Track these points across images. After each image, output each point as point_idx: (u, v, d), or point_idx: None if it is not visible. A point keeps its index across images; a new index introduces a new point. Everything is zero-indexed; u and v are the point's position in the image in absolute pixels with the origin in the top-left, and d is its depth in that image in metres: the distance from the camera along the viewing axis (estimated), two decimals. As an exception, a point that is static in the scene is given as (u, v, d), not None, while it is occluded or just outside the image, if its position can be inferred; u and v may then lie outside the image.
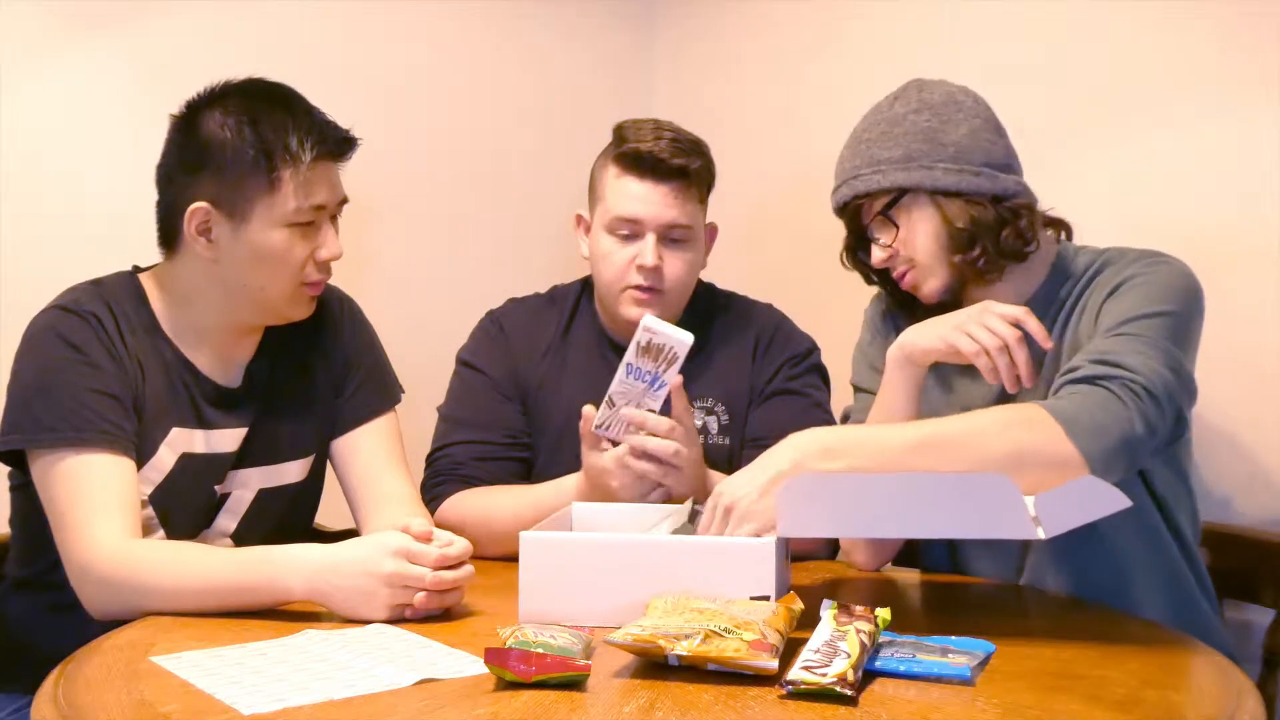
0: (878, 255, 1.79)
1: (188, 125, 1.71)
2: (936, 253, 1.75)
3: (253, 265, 1.69)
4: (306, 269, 1.72)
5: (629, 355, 1.74)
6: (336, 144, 1.71)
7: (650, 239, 1.94)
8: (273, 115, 1.67)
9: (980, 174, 1.73)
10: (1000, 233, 1.72)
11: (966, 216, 1.72)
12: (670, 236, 1.96)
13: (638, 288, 1.96)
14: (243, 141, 1.66)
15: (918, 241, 1.75)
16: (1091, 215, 1.85)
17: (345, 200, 1.76)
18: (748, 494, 1.51)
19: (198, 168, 1.68)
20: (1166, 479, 1.69)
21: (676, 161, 1.94)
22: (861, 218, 1.80)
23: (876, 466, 1.50)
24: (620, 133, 1.99)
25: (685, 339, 1.73)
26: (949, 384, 1.84)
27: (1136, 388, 1.51)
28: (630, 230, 1.96)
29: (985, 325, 1.64)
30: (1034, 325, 1.64)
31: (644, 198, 1.95)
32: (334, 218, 1.75)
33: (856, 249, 1.86)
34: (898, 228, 1.76)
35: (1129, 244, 1.75)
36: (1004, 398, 1.70)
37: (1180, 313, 1.63)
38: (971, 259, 1.72)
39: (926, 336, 1.70)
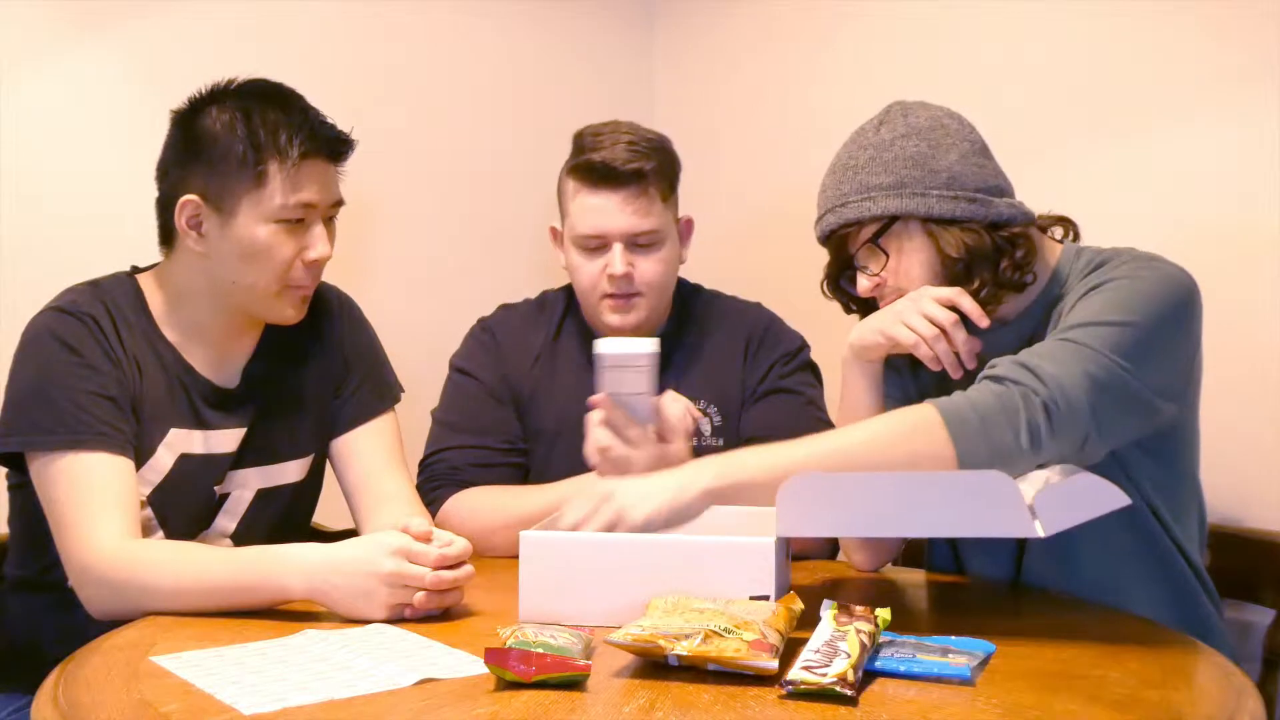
0: (864, 285, 1.73)
1: (186, 120, 1.71)
2: (929, 283, 1.68)
3: (240, 261, 1.69)
4: (294, 269, 1.71)
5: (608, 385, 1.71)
6: (328, 143, 1.70)
7: (617, 248, 1.94)
8: (266, 111, 1.68)
9: (975, 200, 1.67)
10: (998, 263, 1.66)
11: (961, 245, 1.66)
12: (636, 243, 1.95)
13: (612, 296, 1.96)
14: (233, 136, 1.66)
15: (909, 271, 1.69)
16: (1090, 215, 1.84)
17: (340, 202, 1.74)
18: (635, 505, 1.51)
19: (190, 161, 1.69)
20: (1153, 475, 1.66)
21: (630, 167, 1.92)
22: (848, 246, 1.74)
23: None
24: (578, 142, 1.99)
25: (647, 349, 1.71)
26: (916, 370, 1.82)
27: (1036, 400, 1.48)
28: (596, 244, 1.96)
29: (921, 312, 1.64)
30: (969, 305, 1.64)
31: (602, 209, 1.94)
32: (329, 220, 1.74)
33: (838, 278, 1.79)
34: (887, 256, 1.70)
35: (1127, 244, 1.73)
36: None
37: (1146, 324, 1.56)
38: (971, 292, 1.66)
39: (868, 333, 1.70)
